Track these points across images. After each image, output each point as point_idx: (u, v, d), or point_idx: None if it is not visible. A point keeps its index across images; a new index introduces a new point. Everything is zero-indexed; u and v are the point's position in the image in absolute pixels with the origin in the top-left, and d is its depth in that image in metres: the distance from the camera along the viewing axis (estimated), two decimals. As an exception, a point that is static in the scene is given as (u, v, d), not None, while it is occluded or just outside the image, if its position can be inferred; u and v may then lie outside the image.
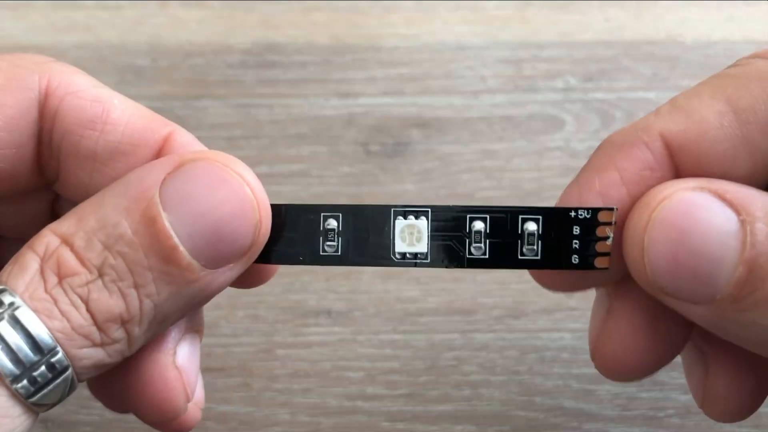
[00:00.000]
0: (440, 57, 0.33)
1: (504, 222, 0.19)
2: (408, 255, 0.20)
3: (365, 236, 0.20)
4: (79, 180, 0.20)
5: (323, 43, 0.34)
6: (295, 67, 0.33)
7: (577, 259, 0.19)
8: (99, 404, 0.29)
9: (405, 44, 0.33)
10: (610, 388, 0.29)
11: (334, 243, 0.20)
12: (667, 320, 0.20)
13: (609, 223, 0.19)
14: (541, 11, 0.34)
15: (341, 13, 0.34)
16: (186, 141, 0.20)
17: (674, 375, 0.29)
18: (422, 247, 0.19)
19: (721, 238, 0.17)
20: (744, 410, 0.21)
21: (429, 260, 0.20)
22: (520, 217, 0.19)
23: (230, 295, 0.30)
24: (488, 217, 0.19)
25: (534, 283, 0.28)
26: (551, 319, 0.30)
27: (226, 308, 0.30)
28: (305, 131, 0.32)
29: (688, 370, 0.22)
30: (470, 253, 0.19)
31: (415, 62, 0.33)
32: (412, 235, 0.20)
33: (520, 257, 0.19)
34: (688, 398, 0.29)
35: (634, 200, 0.19)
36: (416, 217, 0.20)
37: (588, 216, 0.19)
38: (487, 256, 0.19)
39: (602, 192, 0.19)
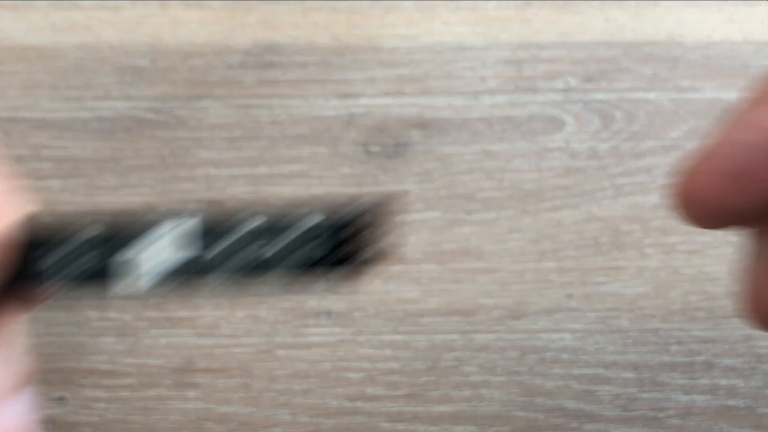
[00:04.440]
0: (440, 57, 0.33)
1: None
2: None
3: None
4: None
5: (323, 43, 0.34)
6: (295, 67, 0.33)
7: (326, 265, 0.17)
8: (99, 404, 0.29)
9: (405, 44, 0.33)
10: (610, 388, 0.29)
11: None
12: None
13: (370, 225, 0.17)
14: (541, 11, 0.34)
15: (341, 13, 0.34)
16: None
17: (674, 375, 0.29)
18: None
19: None
20: None
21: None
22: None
23: (230, 296, 0.30)
24: None
25: (534, 284, 0.28)
26: (552, 319, 0.30)
27: (226, 308, 0.30)
28: (305, 132, 0.32)
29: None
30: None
31: (415, 62, 0.33)
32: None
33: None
34: (688, 399, 0.29)
35: None
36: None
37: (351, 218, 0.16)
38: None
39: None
